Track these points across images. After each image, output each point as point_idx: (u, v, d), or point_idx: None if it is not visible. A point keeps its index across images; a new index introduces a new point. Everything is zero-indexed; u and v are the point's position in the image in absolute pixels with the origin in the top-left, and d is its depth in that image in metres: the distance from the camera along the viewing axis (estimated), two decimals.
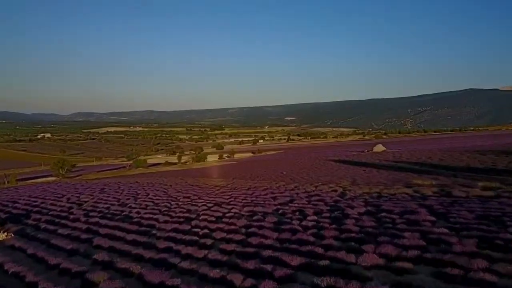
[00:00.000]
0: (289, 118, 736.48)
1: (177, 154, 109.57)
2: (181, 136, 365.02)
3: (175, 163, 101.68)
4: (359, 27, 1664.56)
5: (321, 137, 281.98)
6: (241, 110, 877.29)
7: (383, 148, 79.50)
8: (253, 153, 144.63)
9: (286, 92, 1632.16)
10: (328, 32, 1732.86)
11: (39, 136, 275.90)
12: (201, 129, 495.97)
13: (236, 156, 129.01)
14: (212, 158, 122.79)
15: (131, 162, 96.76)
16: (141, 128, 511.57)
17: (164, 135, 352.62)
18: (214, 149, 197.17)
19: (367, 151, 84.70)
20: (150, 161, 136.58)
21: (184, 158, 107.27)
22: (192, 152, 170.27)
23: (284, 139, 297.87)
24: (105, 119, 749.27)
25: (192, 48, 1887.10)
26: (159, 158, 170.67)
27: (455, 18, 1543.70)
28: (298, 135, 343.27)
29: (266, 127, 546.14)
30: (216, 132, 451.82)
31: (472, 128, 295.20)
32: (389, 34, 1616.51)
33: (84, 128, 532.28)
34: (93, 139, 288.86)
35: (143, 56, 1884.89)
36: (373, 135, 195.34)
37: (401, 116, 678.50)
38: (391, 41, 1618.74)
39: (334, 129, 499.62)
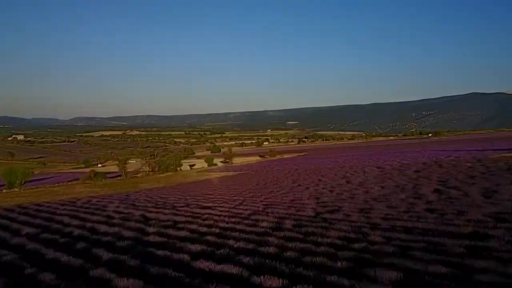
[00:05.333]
0: (291, 122, 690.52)
1: (120, 160, 57.78)
2: (177, 140, 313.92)
3: (118, 176, 50.16)
4: (361, 30, 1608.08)
5: (336, 138, 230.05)
6: (242, 115, 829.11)
7: None
8: (261, 156, 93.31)
9: (288, 96, 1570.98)
10: (329, 35, 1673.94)
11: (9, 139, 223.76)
12: (201, 132, 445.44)
13: (237, 161, 77.40)
14: (199, 164, 71.64)
15: None
16: (137, 132, 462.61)
17: (156, 138, 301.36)
18: (209, 152, 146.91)
19: None
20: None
21: (128, 167, 55.36)
22: (179, 155, 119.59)
23: (292, 141, 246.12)
24: (106, 124, 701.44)
25: (192, 52, 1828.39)
26: (133, 163, 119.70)
27: (458, 21, 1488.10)
28: (306, 137, 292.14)
29: (269, 130, 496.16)
30: (216, 135, 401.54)
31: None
32: (391, 37, 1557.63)
33: (80, 132, 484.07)
34: (73, 141, 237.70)
35: (143, 60, 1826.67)
36: (430, 134, 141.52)
37: (405, 120, 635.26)
38: (393, 44, 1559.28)
39: (340, 132, 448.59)
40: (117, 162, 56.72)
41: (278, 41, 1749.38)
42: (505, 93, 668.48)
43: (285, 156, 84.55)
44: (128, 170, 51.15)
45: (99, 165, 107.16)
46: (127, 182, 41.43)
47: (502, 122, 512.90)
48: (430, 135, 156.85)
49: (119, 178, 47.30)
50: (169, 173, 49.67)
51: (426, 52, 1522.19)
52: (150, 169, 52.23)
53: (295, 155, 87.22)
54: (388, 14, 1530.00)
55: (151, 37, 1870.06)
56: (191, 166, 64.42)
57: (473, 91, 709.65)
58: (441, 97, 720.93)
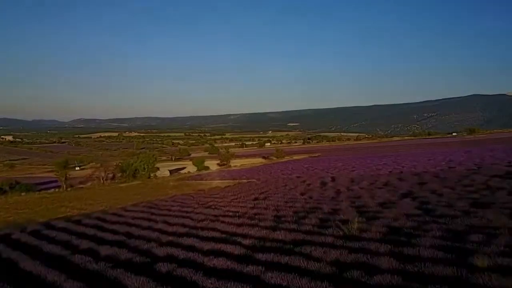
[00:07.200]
0: (291, 124, 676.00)
1: (58, 165, 40.86)
2: (176, 141, 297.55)
3: (58, 186, 33.51)
4: (361, 31, 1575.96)
5: (342, 139, 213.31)
6: (243, 116, 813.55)
7: None
8: (265, 158, 76.69)
9: (288, 98, 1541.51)
10: (329, 36, 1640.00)
11: None
12: (200, 134, 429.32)
13: (236, 163, 60.82)
14: (190, 167, 55.12)
15: None
16: (136, 133, 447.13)
17: (154, 139, 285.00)
18: (207, 153, 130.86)
19: None
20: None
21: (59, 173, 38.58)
22: (175, 155, 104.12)
23: (295, 142, 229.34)
24: (106, 126, 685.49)
25: (192, 53, 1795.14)
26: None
27: (459, 22, 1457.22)
28: (309, 138, 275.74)
29: (270, 132, 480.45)
30: (216, 137, 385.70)
31: None
32: (392, 38, 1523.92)
33: (80, 133, 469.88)
34: (64, 142, 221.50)
35: (143, 61, 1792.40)
36: (455, 133, 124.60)
37: (407, 122, 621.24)
38: (394, 45, 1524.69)
39: (342, 134, 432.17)
40: (54, 167, 40.73)
41: (279, 41, 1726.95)
42: (506, 95, 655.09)
43: (295, 157, 68.06)
44: (72, 177, 34.85)
45: (77, 168, 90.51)
46: (55, 199, 25.00)
47: (503, 124, 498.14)
48: (454, 134, 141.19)
49: (55, 190, 31.07)
50: (136, 182, 33.42)
51: (427, 54, 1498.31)
52: (110, 176, 35.62)
53: (305, 156, 70.90)
54: (388, 15, 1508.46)
55: (151, 37, 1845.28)
56: (172, 170, 47.76)
57: (474, 93, 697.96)
58: (442, 99, 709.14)
